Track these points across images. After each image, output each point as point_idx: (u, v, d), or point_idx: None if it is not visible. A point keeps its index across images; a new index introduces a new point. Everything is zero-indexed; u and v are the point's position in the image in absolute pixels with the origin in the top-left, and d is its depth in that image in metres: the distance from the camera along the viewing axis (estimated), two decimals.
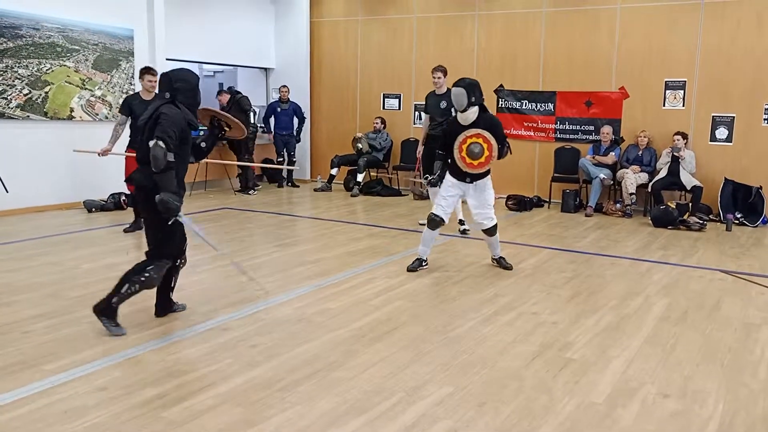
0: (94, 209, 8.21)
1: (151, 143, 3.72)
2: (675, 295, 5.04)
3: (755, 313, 4.63)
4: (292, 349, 3.75)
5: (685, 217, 7.96)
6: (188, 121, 3.92)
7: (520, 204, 9.16)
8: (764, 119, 8.51)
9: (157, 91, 4.28)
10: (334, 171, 10.78)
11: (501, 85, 10.08)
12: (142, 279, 3.84)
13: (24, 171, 7.88)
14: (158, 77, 6.86)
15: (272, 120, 11.02)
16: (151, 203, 3.78)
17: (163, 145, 3.69)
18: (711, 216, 8.42)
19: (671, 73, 8.97)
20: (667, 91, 9.04)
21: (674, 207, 8.05)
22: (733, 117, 8.68)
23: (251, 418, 2.93)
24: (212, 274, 5.40)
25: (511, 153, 5.52)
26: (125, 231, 6.95)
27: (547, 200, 9.59)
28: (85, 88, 8.56)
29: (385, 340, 3.94)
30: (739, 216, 8.28)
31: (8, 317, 4.20)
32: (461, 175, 5.42)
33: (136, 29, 9.10)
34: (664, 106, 9.08)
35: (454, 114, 7.26)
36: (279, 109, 10.95)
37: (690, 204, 8.29)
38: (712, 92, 8.76)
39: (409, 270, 5.49)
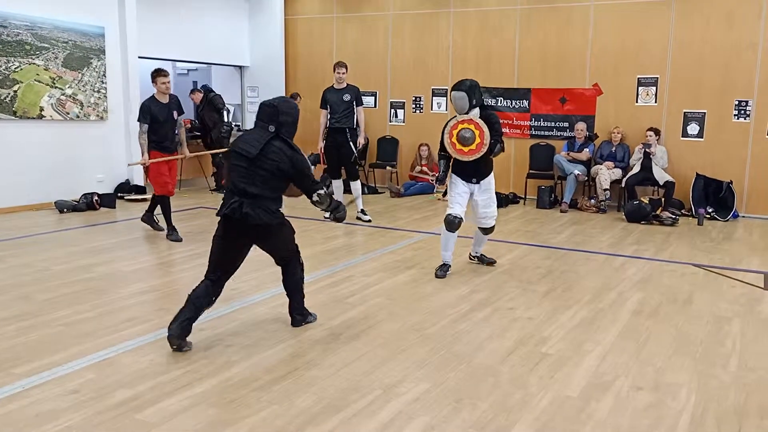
0: (65, 210, 8.07)
1: (316, 198, 3.88)
2: (648, 289, 5.11)
3: (726, 306, 4.71)
4: (269, 348, 3.74)
5: (657, 212, 8.06)
6: None
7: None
8: (734, 115, 8.66)
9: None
10: None
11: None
12: (301, 278, 4.22)
13: None
14: (169, 78, 6.59)
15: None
16: (269, 234, 3.98)
17: (322, 192, 3.87)
18: (683, 211, 8.54)
19: (644, 70, 9.09)
20: (640, 88, 9.15)
21: (647, 202, 8.15)
22: (704, 113, 8.82)
23: (227, 419, 2.90)
24: (186, 274, 5.34)
25: (503, 150, 5.39)
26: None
27: (523, 197, 9.66)
28: (56, 87, 8.42)
29: (362, 337, 3.93)
30: (710, 210, 8.42)
31: None
32: (466, 176, 5.32)
33: (107, 27, 8.96)
34: (636, 102, 9.19)
35: (356, 106, 7.65)
36: None
37: (663, 199, 8.40)
38: (684, 89, 8.89)
39: (437, 277, 5.33)
